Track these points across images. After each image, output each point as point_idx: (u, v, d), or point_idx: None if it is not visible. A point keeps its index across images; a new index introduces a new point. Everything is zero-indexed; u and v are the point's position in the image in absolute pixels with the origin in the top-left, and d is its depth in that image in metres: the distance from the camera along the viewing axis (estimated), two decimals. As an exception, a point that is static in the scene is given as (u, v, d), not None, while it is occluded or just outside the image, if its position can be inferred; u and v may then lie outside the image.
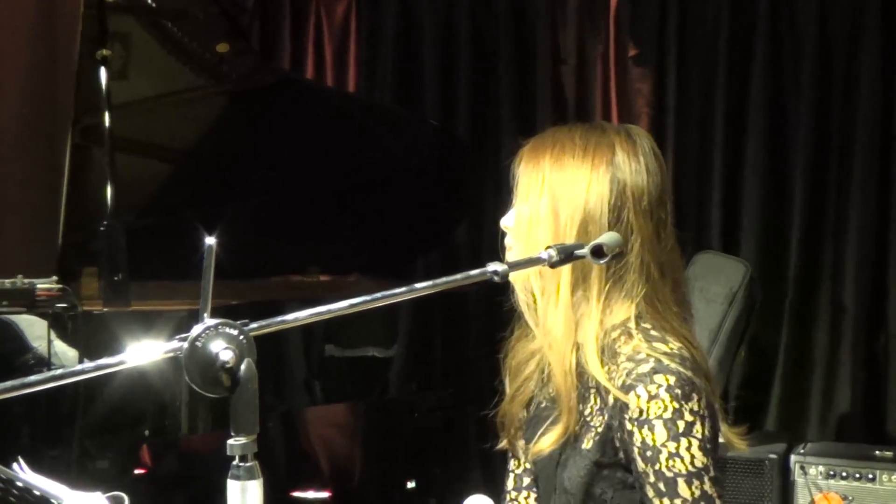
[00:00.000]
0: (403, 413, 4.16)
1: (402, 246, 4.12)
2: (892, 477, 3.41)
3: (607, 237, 1.48)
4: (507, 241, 1.73)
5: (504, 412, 1.80)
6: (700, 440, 1.53)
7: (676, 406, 1.52)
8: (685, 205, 4.31)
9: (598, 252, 1.46)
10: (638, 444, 1.54)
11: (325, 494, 4.55)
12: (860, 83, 4.06)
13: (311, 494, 4.53)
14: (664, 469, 1.53)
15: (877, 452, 3.53)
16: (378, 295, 1.26)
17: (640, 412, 1.53)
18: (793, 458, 3.51)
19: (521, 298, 1.70)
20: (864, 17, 4.06)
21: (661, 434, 1.52)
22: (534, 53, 4.50)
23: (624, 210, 1.62)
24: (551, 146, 1.68)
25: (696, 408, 1.54)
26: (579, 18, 4.47)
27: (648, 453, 1.53)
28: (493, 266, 1.36)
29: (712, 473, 1.54)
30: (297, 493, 4.50)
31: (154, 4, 3.26)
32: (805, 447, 3.60)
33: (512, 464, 1.86)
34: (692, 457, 1.52)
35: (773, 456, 3.49)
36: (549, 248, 1.44)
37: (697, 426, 1.53)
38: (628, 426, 1.55)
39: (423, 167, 3.98)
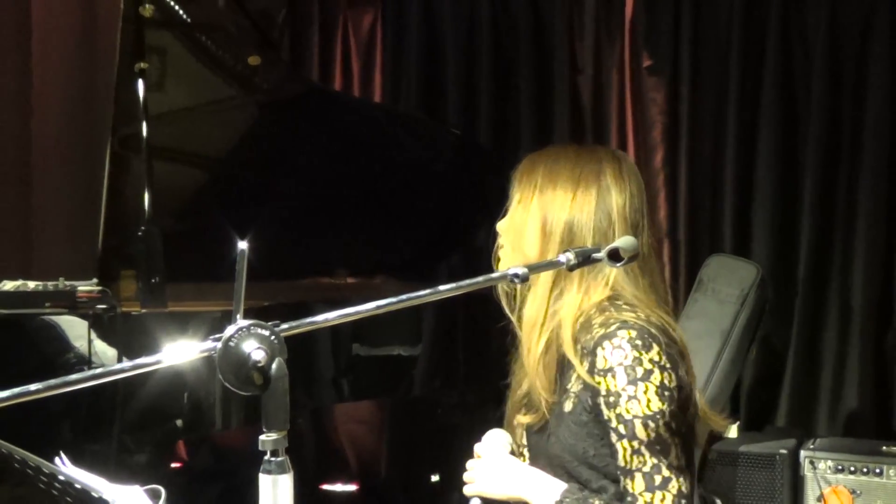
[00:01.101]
0: (427, 410, 4.16)
1: (425, 249, 4.11)
2: (900, 471, 3.39)
3: (624, 241, 1.49)
4: (499, 242, 1.88)
5: (510, 405, 1.91)
6: (658, 386, 1.61)
7: (636, 355, 1.61)
8: (698, 209, 4.30)
9: (614, 256, 1.47)
10: (603, 392, 1.63)
11: (352, 487, 4.55)
12: (869, 91, 4.05)
13: (338, 487, 4.53)
14: (623, 412, 1.61)
15: (884, 448, 3.52)
16: (404, 297, 1.27)
17: (605, 361, 1.63)
18: (803, 453, 3.50)
19: (501, 288, 1.85)
20: (872, 29, 4.05)
21: (621, 379, 1.61)
22: (552, 63, 4.50)
23: (605, 221, 1.73)
24: (546, 158, 1.81)
25: (655, 357, 1.62)
26: (596, 30, 4.46)
27: (611, 399, 1.62)
28: (514, 269, 1.38)
29: (668, 418, 1.61)
30: (325, 486, 4.50)
31: (189, 19, 3.27)
32: (815, 442, 3.58)
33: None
34: (648, 400, 1.60)
35: (783, 451, 3.48)
36: (566, 251, 1.47)
37: (656, 374, 1.61)
38: (596, 379, 1.64)
39: (445, 173, 3.98)
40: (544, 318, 1.73)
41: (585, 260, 1.45)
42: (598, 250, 1.48)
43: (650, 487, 1.60)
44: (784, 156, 4.18)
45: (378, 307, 1.24)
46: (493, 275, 1.39)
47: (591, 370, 1.64)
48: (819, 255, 4.12)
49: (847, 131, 4.09)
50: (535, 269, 1.44)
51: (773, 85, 4.18)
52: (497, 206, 4.25)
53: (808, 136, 4.13)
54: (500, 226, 1.86)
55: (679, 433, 1.62)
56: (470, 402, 4.04)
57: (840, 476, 3.44)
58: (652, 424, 1.60)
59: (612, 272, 1.71)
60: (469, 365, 3.68)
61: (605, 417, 1.64)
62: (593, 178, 1.75)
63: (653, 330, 1.64)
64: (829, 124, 4.10)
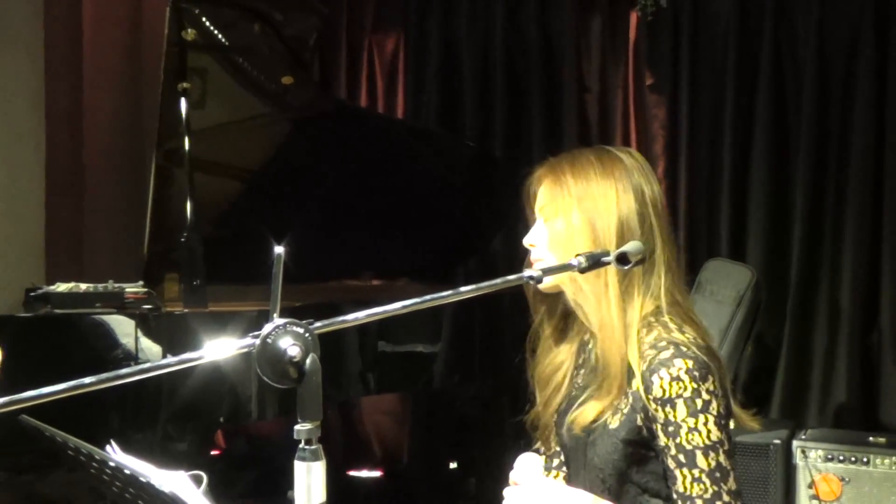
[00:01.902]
0: (446, 402, 4.17)
1: (444, 254, 4.11)
2: (885, 460, 3.36)
3: (630, 246, 1.47)
4: (535, 256, 1.73)
5: (536, 416, 1.82)
6: (715, 416, 1.54)
7: (695, 386, 1.53)
8: (697, 216, 4.29)
9: (622, 259, 1.45)
10: (661, 420, 1.55)
11: (377, 473, 4.56)
12: (855, 108, 4.03)
13: (364, 473, 4.54)
14: (684, 442, 1.54)
15: (871, 438, 3.49)
16: (427, 297, 1.26)
17: (663, 392, 1.54)
18: (795, 443, 3.47)
19: (572, 298, 1.69)
20: (857, 49, 4.03)
21: (681, 411, 1.53)
22: (561, 82, 4.49)
23: (647, 215, 1.64)
24: (569, 165, 1.68)
25: (711, 388, 1.54)
26: (602, 52, 4.46)
27: (670, 428, 1.54)
28: (529, 272, 1.37)
29: (727, 447, 1.55)
30: (352, 473, 4.50)
31: (228, 43, 3.27)
32: (806, 433, 3.55)
33: (542, 450, 1.86)
34: (709, 431, 1.53)
35: (777, 441, 3.45)
36: (578, 255, 1.44)
37: (713, 404, 1.54)
38: (652, 406, 1.55)
39: (463, 184, 3.98)
40: (623, 325, 1.62)
41: (595, 263, 1.42)
42: (608, 254, 1.45)
43: None
44: (776, 167, 4.16)
45: (404, 307, 1.23)
46: (510, 276, 1.36)
47: (647, 393, 1.56)
48: (809, 260, 4.09)
49: (835, 145, 4.07)
50: (548, 271, 1.42)
51: (766, 102, 4.16)
52: (510, 213, 4.26)
53: (799, 149, 4.11)
54: (531, 239, 1.72)
55: (734, 457, 1.57)
56: (486, 395, 4.03)
57: (830, 464, 3.41)
58: (712, 454, 1.53)
59: (663, 279, 1.63)
60: (485, 361, 3.67)
61: (663, 444, 1.56)
62: (626, 177, 1.65)
63: (705, 357, 1.56)
64: (818, 138, 4.08)
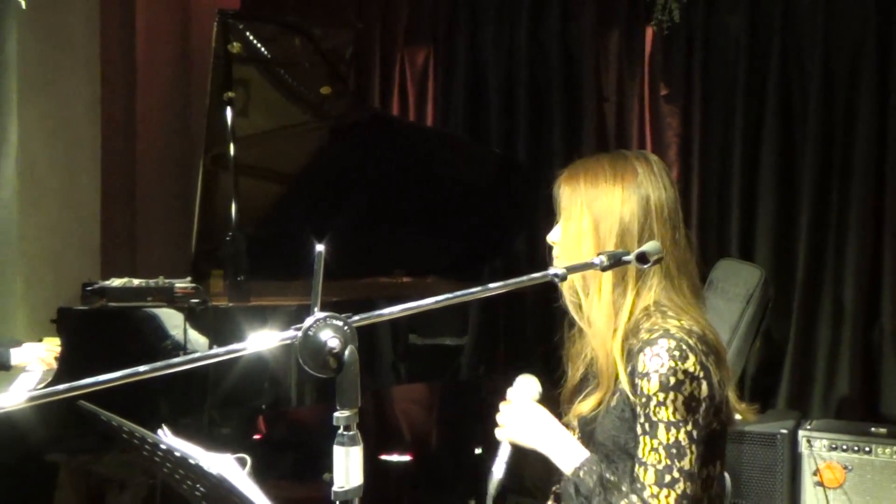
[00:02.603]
0: (472, 392, 4.15)
1: (470, 253, 4.10)
2: (886, 450, 3.34)
3: (649, 246, 1.45)
4: (555, 253, 1.75)
5: (564, 391, 1.83)
6: (686, 397, 1.54)
7: (672, 364, 1.54)
8: (708, 218, 4.26)
9: (641, 258, 1.43)
10: (637, 392, 1.57)
11: (407, 458, 4.55)
12: (858, 115, 3.99)
13: (395, 458, 4.53)
14: (651, 413, 1.55)
15: (872, 429, 3.47)
16: (459, 293, 1.25)
17: (643, 366, 1.56)
18: (800, 433, 3.45)
19: (568, 297, 1.72)
20: (861, 60, 3.99)
21: (654, 385, 1.55)
22: (581, 92, 4.47)
23: (648, 220, 1.64)
24: (584, 172, 1.70)
25: (690, 369, 1.55)
26: (619, 64, 4.43)
27: (643, 399, 1.56)
28: (554, 269, 1.36)
29: (689, 427, 1.54)
30: (384, 457, 4.50)
31: (270, 55, 3.29)
32: (811, 424, 3.53)
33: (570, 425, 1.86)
34: (675, 409, 1.53)
35: (783, 431, 3.43)
36: (600, 254, 1.43)
37: (686, 385, 1.54)
38: (636, 381, 1.57)
39: (488, 187, 3.96)
40: (614, 325, 1.64)
41: (616, 262, 1.41)
42: (628, 253, 1.44)
43: (659, 483, 1.54)
44: (783, 172, 4.13)
45: (436, 302, 1.23)
46: (535, 274, 1.35)
47: (633, 373, 1.58)
48: (815, 259, 4.06)
49: (839, 151, 4.04)
50: (572, 269, 1.40)
51: (773, 111, 4.12)
52: (532, 215, 4.23)
53: (805, 155, 4.07)
54: (552, 237, 1.75)
55: (700, 441, 1.55)
56: (509, 385, 4.01)
57: (834, 453, 3.39)
58: (674, 430, 1.53)
59: (656, 278, 1.63)
60: (509, 353, 3.65)
61: (637, 412, 1.58)
62: (632, 182, 1.65)
63: (692, 341, 1.56)
64: (822, 144, 4.04)
